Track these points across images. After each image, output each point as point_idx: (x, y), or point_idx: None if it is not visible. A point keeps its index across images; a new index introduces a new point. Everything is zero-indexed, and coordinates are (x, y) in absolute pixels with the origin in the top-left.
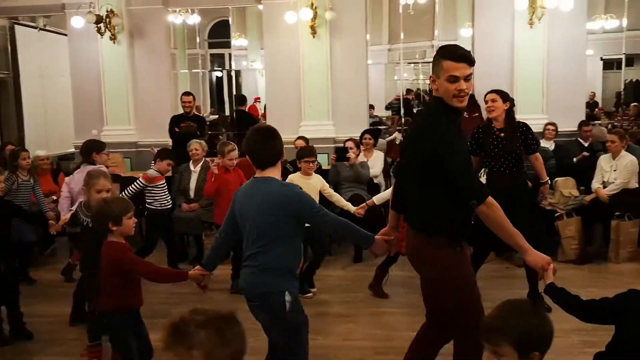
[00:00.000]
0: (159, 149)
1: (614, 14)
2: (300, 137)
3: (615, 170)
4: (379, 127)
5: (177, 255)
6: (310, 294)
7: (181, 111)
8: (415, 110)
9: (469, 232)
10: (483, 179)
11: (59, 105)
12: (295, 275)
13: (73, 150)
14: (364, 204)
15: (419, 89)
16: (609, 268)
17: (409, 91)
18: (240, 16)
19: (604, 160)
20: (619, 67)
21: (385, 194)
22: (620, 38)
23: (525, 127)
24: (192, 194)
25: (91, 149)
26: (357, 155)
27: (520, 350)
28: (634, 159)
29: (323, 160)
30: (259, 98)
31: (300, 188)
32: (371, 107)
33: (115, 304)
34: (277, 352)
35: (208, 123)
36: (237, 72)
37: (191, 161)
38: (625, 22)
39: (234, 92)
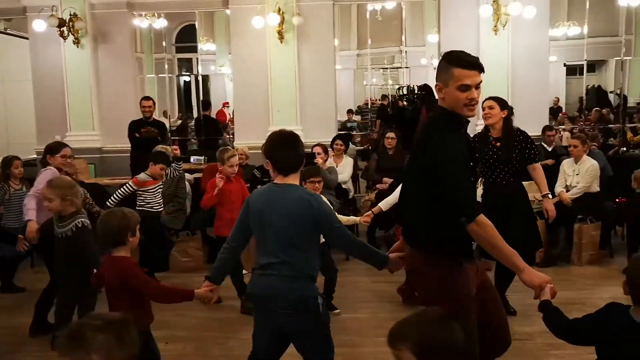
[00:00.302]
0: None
1: (576, 22)
2: None
3: (577, 175)
4: (350, 132)
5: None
6: (338, 310)
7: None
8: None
9: (470, 247)
10: (480, 189)
11: (21, 110)
12: (316, 281)
13: (35, 156)
14: (370, 212)
15: (388, 94)
16: (572, 270)
17: (384, 97)
18: (208, 20)
19: (566, 165)
20: (582, 73)
21: (391, 198)
22: (581, 45)
23: (523, 136)
24: None
25: (46, 152)
26: (325, 160)
27: (420, 357)
28: (596, 163)
29: None
30: (227, 103)
31: (322, 198)
32: (350, 111)
33: None
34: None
35: (175, 128)
36: (206, 77)
37: None
38: (586, 30)
39: (202, 97)
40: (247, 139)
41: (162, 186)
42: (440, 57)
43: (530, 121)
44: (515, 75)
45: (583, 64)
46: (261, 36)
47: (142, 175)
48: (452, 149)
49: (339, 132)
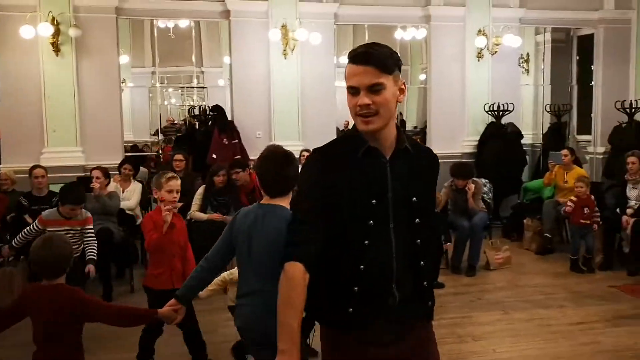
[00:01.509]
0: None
1: None
2: (37, 166)
3: None
4: (143, 153)
5: None
6: None
7: None
8: None
9: (351, 320)
10: None
11: None
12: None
13: None
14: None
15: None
16: None
17: (195, 117)
18: None
19: None
20: None
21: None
22: None
23: None
24: None
25: None
26: (106, 185)
27: None
28: None
29: None
30: None
31: None
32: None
33: None
34: None
35: None
36: None
37: None
38: None
39: None
40: (15, 161)
41: (78, 230)
42: None
43: (319, 142)
44: (304, 97)
45: None
46: (32, 48)
47: (48, 212)
48: (304, 178)
49: (128, 155)
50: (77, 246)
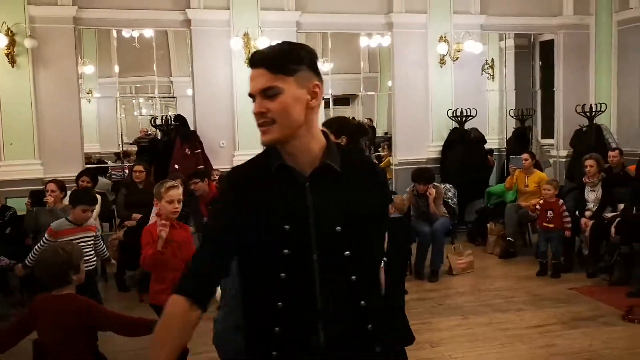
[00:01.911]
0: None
1: (326, 58)
2: None
3: None
4: (106, 164)
5: None
6: None
7: None
8: None
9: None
10: None
11: None
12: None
13: None
14: None
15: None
16: None
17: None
18: None
19: None
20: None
21: None
22: (342, 80)
23: None
24: None
25: None
26: (62, 198)
27: None
28: None
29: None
30: None
31: None
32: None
33: None
34: None
35: None
36: None
37: None
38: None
39: None
40: None
41: (91, 237)
42: None
43: None
44: None
45: (329, 98)
46: None
47: (57, 223)
48: (214, 201)
49: (88, 166)
50: (91, 257)
